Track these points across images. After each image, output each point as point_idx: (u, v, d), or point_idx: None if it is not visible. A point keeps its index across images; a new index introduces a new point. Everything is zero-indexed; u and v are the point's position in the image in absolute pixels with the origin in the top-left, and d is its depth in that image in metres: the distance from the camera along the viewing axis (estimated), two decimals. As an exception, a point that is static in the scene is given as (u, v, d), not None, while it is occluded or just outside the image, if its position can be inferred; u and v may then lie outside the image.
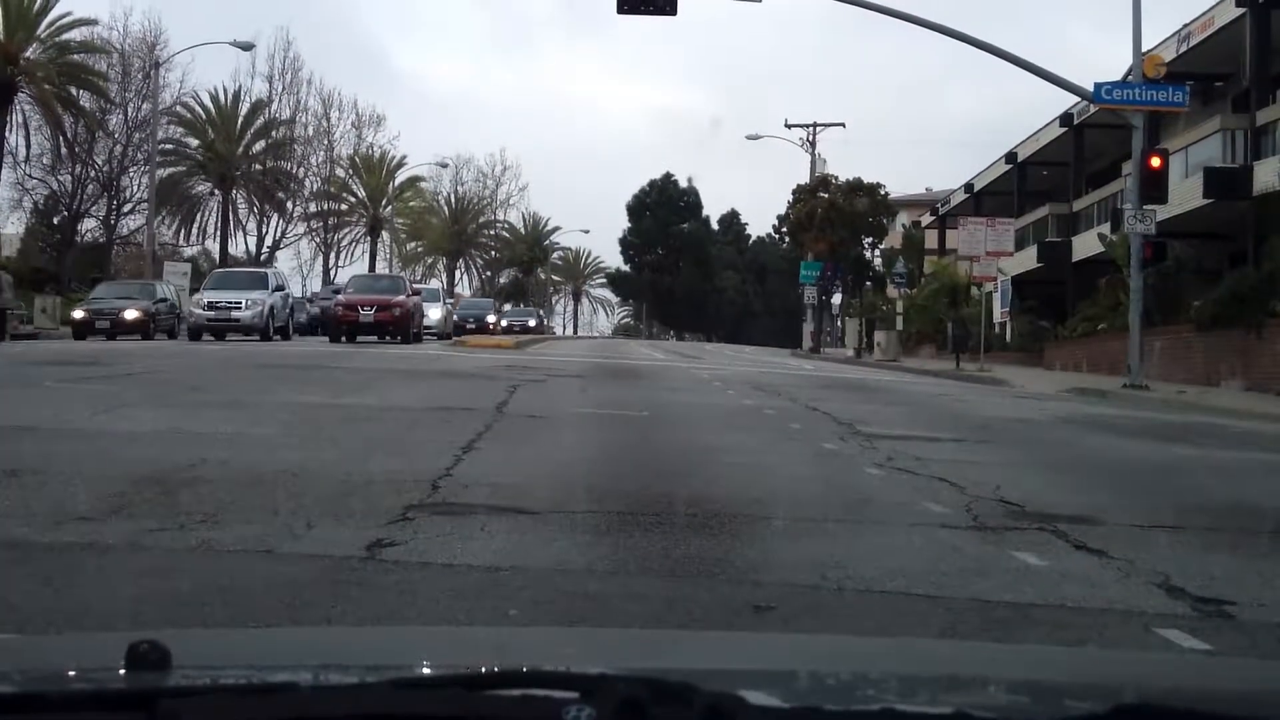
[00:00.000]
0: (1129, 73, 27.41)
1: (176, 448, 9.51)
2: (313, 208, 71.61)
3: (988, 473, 9.95)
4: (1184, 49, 33.69)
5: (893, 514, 7.86)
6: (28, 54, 49.29)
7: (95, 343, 30.62)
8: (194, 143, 63.12)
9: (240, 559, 5.93)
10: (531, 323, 64.46)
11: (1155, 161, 25.15)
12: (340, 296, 37.36)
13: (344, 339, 34.32)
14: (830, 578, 5.95)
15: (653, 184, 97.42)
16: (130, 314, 34.69)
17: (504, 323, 58.51)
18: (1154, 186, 25.11)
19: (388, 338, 34.62)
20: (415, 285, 43.33)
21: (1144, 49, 26.89)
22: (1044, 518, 7.84)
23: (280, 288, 36.98)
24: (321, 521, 6.81)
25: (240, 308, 33.90)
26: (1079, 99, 32.64)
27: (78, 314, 35.15)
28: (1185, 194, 30.71)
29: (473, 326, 50.20)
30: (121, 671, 1.67)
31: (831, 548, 6.66)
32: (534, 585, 5.64)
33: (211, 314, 33.89)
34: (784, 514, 7.63)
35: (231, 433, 10.65)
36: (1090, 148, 43.36)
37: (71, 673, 1.86)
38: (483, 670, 1.90)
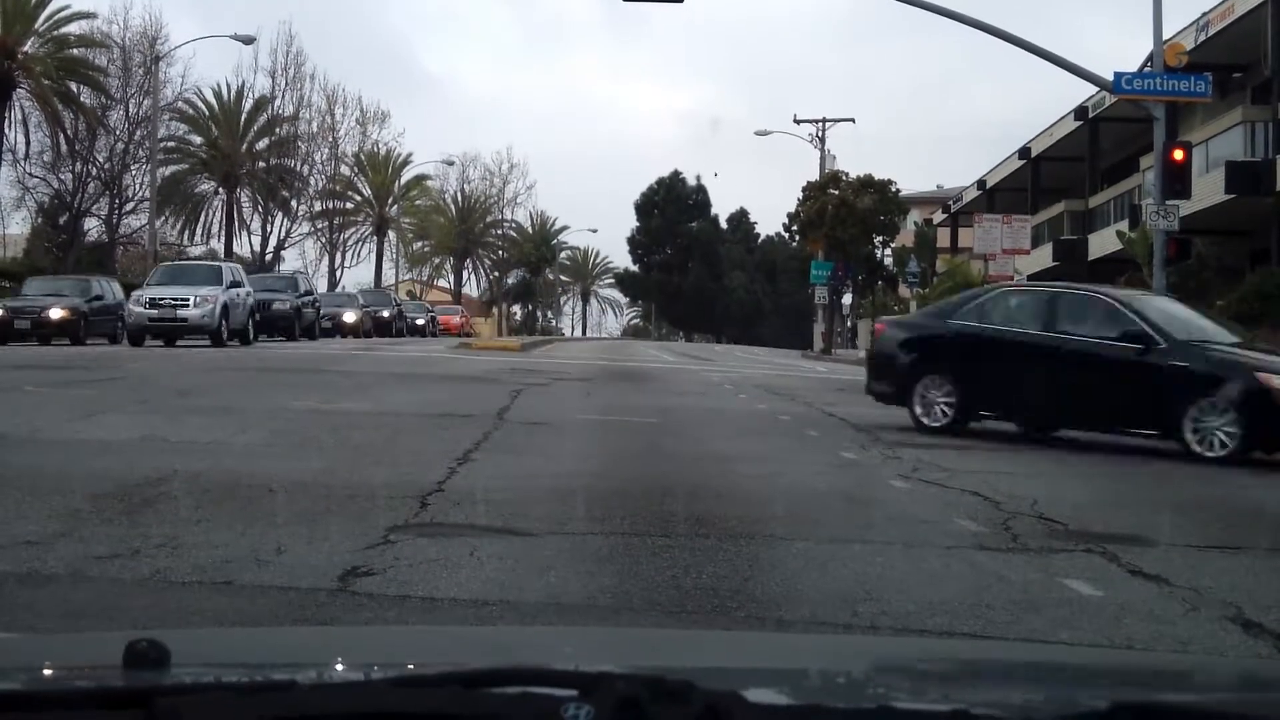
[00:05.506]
0: (1146, 62, 26.66)
1: (149, 458, 8.88)
2: (318, 206, 70.87)
3: (1021, 485, 9.25)
4: (1202, 39, 32.88)
5: (925, 533, 7.16)
6: (25, 48, 48.40)
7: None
8: (197, 140, 62.06)
9: (193, 593, 5.25)
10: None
11: (1178, 154, 24.29)
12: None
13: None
14: (862, 613, 5.26)
15: (661, 182, 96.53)
16: (55, 313, 29.64)
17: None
18: (1177, 180, 24.26)
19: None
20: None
21: (1163, 39, 26.10)
22: (1090, 537, 7.16)
23: (238, 283, 30.85)
24: (293, 545, 6.13)
25: (188, 305, 28.33)
26: (1093, 92, 31.93)
27: None
28: (1205, 189, 29.93)
29: None
30: (120, 670, 1.65)
31: (861, 575, 5.96)
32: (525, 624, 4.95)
33: (154, 313, 28.33)
34: (805, 534, 6.94)
35: (211, 441, 10.00)
36: (1105, 142, 42.57)
37: (70, 671, 1.85)
38: (482, 668, 1.84)
